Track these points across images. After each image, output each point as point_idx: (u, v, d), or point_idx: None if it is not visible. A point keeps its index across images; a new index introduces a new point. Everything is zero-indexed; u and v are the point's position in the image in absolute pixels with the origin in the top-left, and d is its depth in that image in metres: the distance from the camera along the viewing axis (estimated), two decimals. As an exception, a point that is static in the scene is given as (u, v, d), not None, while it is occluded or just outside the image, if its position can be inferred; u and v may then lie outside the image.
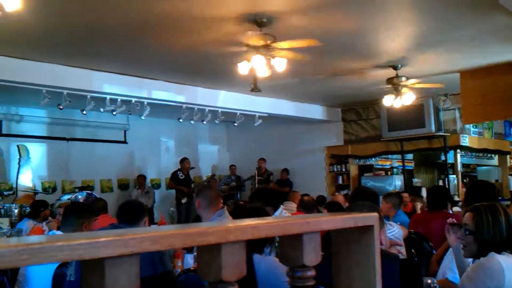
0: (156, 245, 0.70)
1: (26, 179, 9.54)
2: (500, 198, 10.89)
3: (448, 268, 3.08)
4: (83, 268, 0.71)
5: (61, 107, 7.70)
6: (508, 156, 13.11)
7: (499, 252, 2.37)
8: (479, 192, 3.35)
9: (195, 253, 3.71)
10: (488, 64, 7.86)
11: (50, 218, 7.30)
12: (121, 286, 0.69)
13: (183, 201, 10.77)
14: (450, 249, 3.25)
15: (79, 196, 8.99)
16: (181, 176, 11.06)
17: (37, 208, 7.06)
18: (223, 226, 0.80)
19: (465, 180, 12.17)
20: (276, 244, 3.05)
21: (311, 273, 0.97)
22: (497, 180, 12.69)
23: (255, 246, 2.71)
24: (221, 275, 0.79)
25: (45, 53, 6.76)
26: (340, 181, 12.16)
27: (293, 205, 6.05)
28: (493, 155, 13.09)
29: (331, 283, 1.12)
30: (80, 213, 3.46)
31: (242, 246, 0.82)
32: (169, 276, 2.29)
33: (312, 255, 0.95)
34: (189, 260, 3.82)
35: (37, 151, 10.09)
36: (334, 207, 5.73)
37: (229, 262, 0.80)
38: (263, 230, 0.84)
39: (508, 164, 13.29)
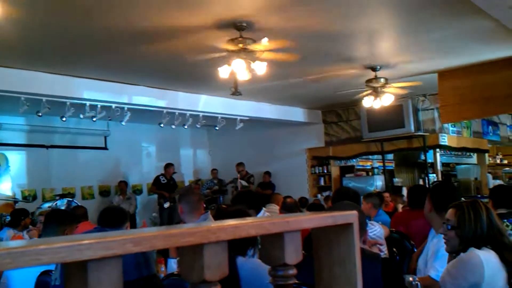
0: (139, 246, 0.71)
1: (6, 187, 9.43)
2: (479, 195, 11.05)
3: (431, 266, 3.12)
4: (65, 271, 0.71)
5: (40, 114, 7.63)
6: (486, 154, 13.30)
7: (479, 248, 2.42)
8: (445, 193, 3.40)
9: (179, 258, 3.70)
10: (465, 64, 7.98)
11: (31, 226, 7.22)
12: (105, 288, 0.70)
13: (165, 205, 10.74)
14: (429, 248, 3.30)
15: (59, 204, 8.90)
16: (163, 180, 11.04)
17: (17, 216, 6.97)
18: (204, 227, 0.81)
19: (442, 178, 12.31)
20: (259, 247, 3.06)
21: (293, 271, 0.98)
22: (476, 178, 12.87)
23: (238, 248, 2.72)
24: (204, 275, 0.80)
25: (23, 60, 6.69)
26: (322, 183, 12.22)
27: (275, 208, 6.07)
28: (472, 154, 13.27)
29: (313, 283, 1.13)
30: (61, 220, 3.44)
31: (224, 246, 0.83)
32: (154, 280, 2.29)
33: (293, 253, 0.96)
34: (173, 265, 3.82)
35: (16, 159, 9.98)
36: (315, 209, 5.78)
37: (211, 262, 0.81)
38: (244, 229, 0.86)
39: (487, 162, 13.48)
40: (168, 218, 10.55)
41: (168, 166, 11.23)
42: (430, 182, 10.39)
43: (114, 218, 3.25)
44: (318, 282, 1.11)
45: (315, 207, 6.32)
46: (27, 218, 7.01)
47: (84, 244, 0.65)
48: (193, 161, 13.47)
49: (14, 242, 0.71)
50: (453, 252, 2.62)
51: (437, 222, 3.25)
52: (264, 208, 4.65)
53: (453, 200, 3.33)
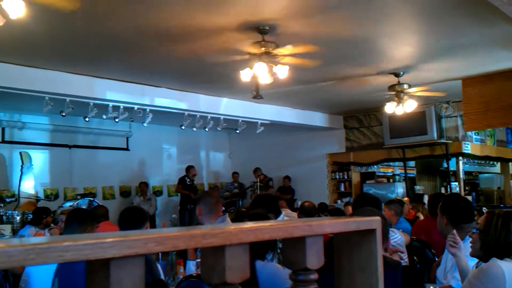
0: (161, 246, 0.71)
1: (28, 186, 9.56)
2: (502, 205, 10.88)
3: (452, 276, 3.08)
4: (88, 269, 0.71)
5: (63, 114, 7.72)
6: (510, 163, 13.09)
7: (501, 258, 2.38)
8: (459, 205, 3.35)
9: (198, 260, 3.71)
10: (490, 71, 7.88)
11: (52, 225, 7.30)
12: (126, 287, 0.70)
13: (189, 206, 10.83)
14: (448, 259, 3.25)
15: (81, 203, 8.99)
16: (189, 181, 11.16)
17: (39, 215, 7.06)
18: (226, 228, 0.81)
19: (467, 188, 12.16)
20: (278, 251, 3.05)
21: (314, 276, 0.97)
22: (499, 188, 12.68)
23: (257, 252, 2.71)
24: (225, 277, 0.80)
25: (47, 60, 6.79)
26: (342, 189, 12.15)
27: (294, 214, 6.05)
28: (495, 163, 13.08)
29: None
30: (83, 219, 3.47)
31: (246, 248, 0.83)
32: (159, 285, 2.29)
33: (314, 258, 0.95)
34: (191, 267, 3.82)
35: (39, 158, 10.11)
36: (336, 214, 5.73)
37: (233, 264, 0.80)
38: (266, 232, 0.85)
39: (510, 172, 13.27)
40: (188, 220, 10.60)
41: (190, 167, 11.35)
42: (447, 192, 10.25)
43: (134, 218, 3.27)
44: (339, 287, 1.09)
45: (336, 212, 6.26)
46: (48, 217, 7.09)
47: (107, 242, 0.65)
48: (214, 164, 13.51)
49: (38, 238, 0.71)
50: (475, 256, 2.59)
51: None
52: (283, 212, 4.64)
53: (468, 212, 3.28)
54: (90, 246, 0.63)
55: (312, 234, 0.94)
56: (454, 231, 2.93)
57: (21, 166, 9.48)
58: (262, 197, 5.48)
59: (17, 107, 9.22)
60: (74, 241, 0.63)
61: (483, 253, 2.49)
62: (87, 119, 8.19)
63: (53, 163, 10.41)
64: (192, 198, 10.89)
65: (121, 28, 5.58)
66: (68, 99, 7.50)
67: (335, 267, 1.09)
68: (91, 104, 7.82)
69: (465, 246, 3.00)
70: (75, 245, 0.62)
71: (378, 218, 1.06)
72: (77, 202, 9.15)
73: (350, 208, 7.79)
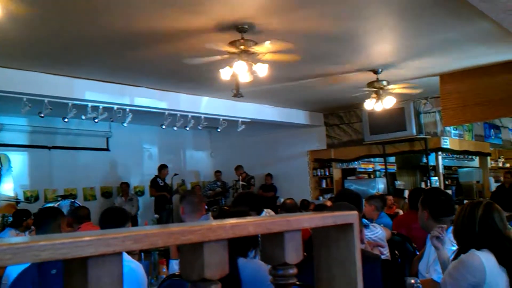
0: (139, 243, 0.71)
1: (8, 188, 9.44)
2: (481, 198, 11.02)
3: (433, 269, 3.12)
4: (65, 268, 0.71)
5: (42, 115, 7.64)
6: (488, 157, 13.29)
7: (478, 249, 2.42)
8: (440, 199, 3.39)
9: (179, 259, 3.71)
10: (467, 67, 7.99)
11: (32, 227, 7.22)
12: (104, 285, 0.70)
13: (168, 206, 10.78)
14: (430, 253, 3.29)
15: (62, 205, 8.89)
16: (161, 183, 11.06)
17: (19, 217, 6.98)
18: (205, 225, 0.81)
19: (447, 182, 12.31)
20: (261, 248, 3.06)
21: (293, 271, 0.98)
22: (478, 181, 12.86)
23: (239, 249, 2.72)
24: (204, 273, 0.80)
25: (25, 61, 6.71)
26: (324, 185, 12.22)
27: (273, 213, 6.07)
28: (474, 157, 13.26)
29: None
30: (53, 216, 3.44)
31: (224, 245, 0.83)
32: None
33: (293, 253, 0.96)
34: (174, 266, 3.82)
35: (18, 160, 9.99)
36: (320, 210, 5.77)
37: (211, 260, 0.81)
38: (244, 228, 0.86)
39: (489, 166, 13.47)
40: (167, 219, 10.56)
41: (163, 167, 11.22)
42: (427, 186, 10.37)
43: (115, 218, 3.26)
44: (317, 282, 1.11)
45: (321, 207, 6.28)
46: (29, 219, 7.01)
47: (85, 240, 0.65)
48: (195, 163, 13.47)
49: (15, 239, 0.71)
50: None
51: None
52: (265, 210, 4.65)
53: (449, 205, 3.33)
54: (67, 245, 0.63)
55: (290, 229, 0.95)
56: (444, 225, 2.97)
57: (0, 168, 9.36)
58: (244, 195, 5.49)
59: (-5, 109, 9.10)
60: (50, 240, 0.63)
61: (458, 244, 2.53)
62: (66, 120, 8.11)
63: (32, 165, 10.29)
64: (168, 198, 10.85)
65: (99, 28, 5.54)
66: (46, 100, 7.42)
67: (314, 262, 1.10)
68: (70, 104, 7.75)
69: (447, 239, 3.05)
70: (52, 244, 0.62)
71: (355, 212, 1.08)
72: (58, 203, 9.05)
73: (328, 203, 7.85)
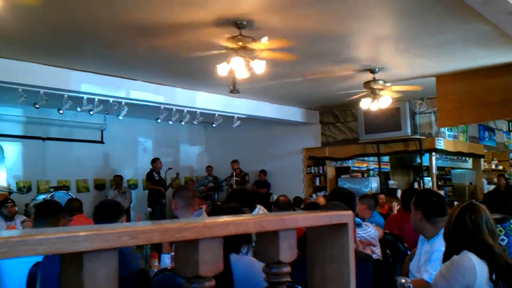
0: (135, 239, 0.71)
1: (1, 178, 9.40)
2: (474, 200, 11.06)
3: (424, 269, 3.14)
4: (61, 262, 0.72)
5: (37, 106, 7.61)
6: (482, 159, 13.34)
7: (471, 251, 2.43)
8: (433, 200, 3.41)
9: (172, 253, 3.71)
10: (464, 69, 8.00)
11: (25, 217, 7.22)
12: (99, 280, 0.70)
13: (162, 201, 10.77)
14: (421, 253, 3.31)
15: (56, 196, 8.86)
16: (156, 176, 11.05)
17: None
18: (201, 222, 0.81)
19: (440, 183, 12.35)
20: (253, 244, 3.07)
21: (287, 269, 0.99)
22: (471, 183, 12.90)
23: (232, 246, 2.72)
24: (198, 270, 0.81)
25: (22, 51, 6.68)
26: (318, 183, 12.24)
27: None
28: (467, 158, 13.30)
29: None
30: (52, 212, 3.44)
31: (219, 242, 0.84)
32: (141, 275, 2.26)
33: (287, 251, 0.97)
34: (166, 260, 3.82)
35: (12, 150, 9.95)
36: (313, 208, 5.78)
37: (206, 257, 0.81)
38: (239, 226, 0.86)
39: (482, 168, 13.52)
40: (160, 213, 10.55)
41: (155, 160, 11.19)
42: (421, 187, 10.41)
43: (109, 212, 3.25)
44: (310, 280, 1.11)
45: (313, 206, 6.29)
46: (10, 207, 6.96)
47: (81, 235, 0.65)
48: (189, 158, 13.46)
49: (11, 232, 0.71)
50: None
51: (428, 229, 3.26)
52: (258, 207, 4.66)
53: (441, 206, 3.35)
54: (63, 240, 0.64)
55: (285, 228, 0.95)
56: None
57: (-7, 158, 9.33)
58: (238, 191, 5.50)
59: (-11, 99, 9.05)
60: (47, 234, 0.63)
61: (449, 245, 2.55)
62: (61, 112, 8.09)
63: (26, 156, 10.25)
64: (162, 192, 10.84)
65: (96, 20, 5.51)
66: (42, 91, 7.39)
67: (307, 260, 1.11)
68: (66, 96, 7.72)
69: (440, 240, 3.06)
70: (48, 239, 0.62)
71: (350, 212, 1.08)
72: (51, 194, 9.02)
73: (320, 199, 7.87)
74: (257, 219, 0.91)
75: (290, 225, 0.96)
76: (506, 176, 12.77)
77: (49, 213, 3.44)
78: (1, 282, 3.32)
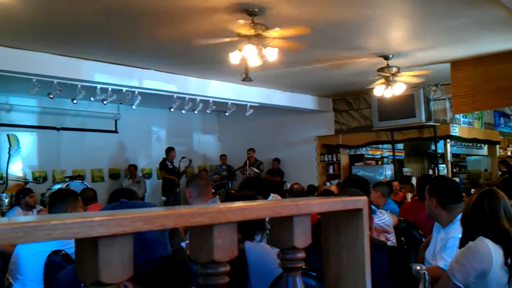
0: (149, 225, 0.71)
1: (17, 168, 9.50)
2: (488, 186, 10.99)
3: (440, 256, 3.12)
4: (76, 248, 0.72)
5: (51, 96, 7.66)
6: (497, 146, 13.22)
7: (487, 236, 2.41)
8: (448, 187, 3.37)
9: (187, 241, 3.73)
10: (478, 54, 7.91)
11: (41, 207, 7.30)
12: (114, 265, 0.70)
13: (176, 190, 10.84)
14: (437, 241, 3.29)
15: (72, 185, 8.95)
16: (170, 165, 11.10)
17: (17, 195, 7.18)
18: (215, 208, 0.81)
19: (455, 170, 12.28)
20: (267, 232, 3.07)
21: (301, 255, 0.99)
22: (486, 170, 12.81)
23: (246, 233, 2.73)
24: (213, 255, 0.81)
25: (35, 41, 6.71)
26: (331, 171, 12.22)
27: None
28: (482, 145, 13.20)
29: (321, 269, 1.14)
30: (63, 198, 3.47)
31: (234, 227, 0.83)
32: (179, 254, 2.25)
33: (302, 237, 0.96)
34: (181, 248, 3.84)
35: (27, 140, 10.05)
36: (326, 195, 5.77)
37: (221, 243, 0.81)
38: (254, 211, 0.86)
39: (497, 154, 13.40)
40: (174, 202, 10.61)
41: (170, 150, 11.23)
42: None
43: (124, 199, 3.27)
44: (325, 266, 1.11)
45: (327, 193, 6.28)
46: (27, 197, 7.08)
47: (96, 220, 0.65)
48: (203, 147, 13.50)
49: (26, 217, 0.72)
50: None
51: (444, 216, 3.24)
52: (272, 195, 4.67)
53: (456, 192, 3.32)
54: (78, 225, 0.64)
55: (300, 214, 0.95)
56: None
57: (9, 148, 9.41)
58: (251, 179, 5.51)
59: (4, 89, 9.12)
60: (62, 220, 0.63)
61: (466, 231, 2.54)
62: (75, 101, 8.14)
63: (41, 146, 10.34)
64: (177, 183, 10.89)
65: (109, 9, 5.52)
66: (55, 81, 7.43)
67: (322, 247, 1.10)
68: (79, 86, 7.76)
69: (456, 227, 3.04)
70: (63, 224, 0.62)
71: (364, 198, 1.07)
72: (66, 184, 9.11)
73: (333, 187, 7.85)
74: (271, 204, 0.91)
75: (304, 210, 0.95)
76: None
77: (59, 200, 3.47)
78: (19, 272, 3.36)
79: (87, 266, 0.70)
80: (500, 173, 11.82)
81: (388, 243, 3.40)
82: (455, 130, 10.66)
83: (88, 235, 0.65)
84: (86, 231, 0.65)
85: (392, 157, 11.75)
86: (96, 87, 7.96)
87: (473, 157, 13.52)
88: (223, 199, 5.89)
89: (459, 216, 2.81)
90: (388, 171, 11.34)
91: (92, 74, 7.78)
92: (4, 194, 8.47)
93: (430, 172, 11.43)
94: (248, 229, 2.73)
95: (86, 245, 0.69)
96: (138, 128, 11.61)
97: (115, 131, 11.36)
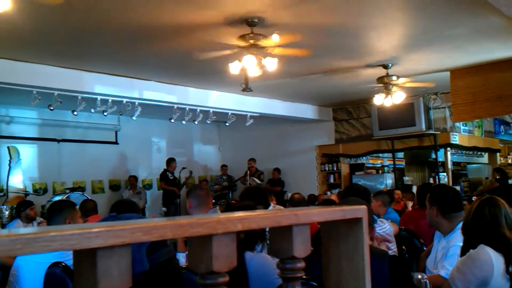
0: (148, 235, 0.71)
1: (17, 180, 9.49)
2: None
3: (441, 265, 3.11)
4: (75, 259, 0.72)
5: (51, 108, 7.67)
6: (497, 154, 13.20)
7: (488, 243, 2.41)
8: (448, 195, 3.37)
9: (187, 252, 3.72)
10: (478, 62, 7.92)
11: (41, 219, 7.29)
12: (113, 276, 0.70)
13: (176, 201, 10.81)
14: (438, 250, 3.28)
15: (72, 197, 8.94)
16: (170, 176, 11.08)
17: (18, 208, 7.14)
18: (214, 218, 0.81)
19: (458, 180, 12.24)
20: (268, 242, 3.07)
21: (301, 264, 0.98)
22: (487, 178, 12.78)
23: (246, 243, 2.72)
24: (212, 266, 0.81)
25: (35, 53, 6.73)
26: (332, 180, 12.20)
27: (282, 208, 6.08)
28: (483, 153, 13.18)
29: (321, 279, 1.13)
30: (60, 209, 3.47)
31: (233, 238, 0.83)
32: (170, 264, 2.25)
33: (301, 247, 0.96)
34: (181, 259, 3.83)
35: (27, 152, 10.04)
36: (327, 204, 5.76)
37: (220, 253, 0.81)
38: (253, 221, 0.86)
39: (498, 162, 13.38)
40: (174, 212, 10.59)
41: (171, 161, 11.22)
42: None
43: (125, 210, 3.27)
44: (325, 275, 1.11)
45: (327, 203, 6.28)
46: (28, 209, 7.06)
47: (94, 232, 0.65)
48: (203, 157, 13.49)
49: (25, 229, 0.71)
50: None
51: (444, 225, 3.23)
52: (272, 205, 4.66)
53: (457, 201, 3.32)
54: (76, 236, 0.64)
55: (299, 223, 0.95)
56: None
57: (9, 160, 9.41)
58: (251, 189, 5.51)
59: (5, 101, 9.13)
60: (60, 231, 0.63)
61: (467, 239, 2.53)
62: (75, 113, 8.15)
63: (41, 157, 10.34)
64: (177, 194, 10.87)
65: (109, 21, 5.54)
66: (56, 93, 7.45)
67: (322, 256, 1.10)
68: (79, 97, 7.77)
69: (457, 235, 3.04)
70: (61, 235, 0.62)
71: (364, 207, 1.07)
72: (67, 195, 9.09)
73: (333, 197, 7.84)
74: (270, 214, 0.91)
75: (304, 219, 0.95)
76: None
77: (56, 211, 3.47)
78: (19, 284, 3.34)
79: (86, 277, 0.70)
80: (492, 180, 11.78)
81: (389, 252, 3.39)
82: (455, 139, 10.65)
83: (86, 247, 0.65)
84: (84, 242, 0.65)
85: (392, 166, 11.73)
86: (96, 99, 7.98)
87: (474, 165, 13.50)
88: (223, 209, 5.88)
89: (460, 224, 2.81)
90: (388, 180, 11.32)
91: (93, 86, 7.79)
92: (5, 206, 8.45)
93: (431, 180, 11.41)
94: (248, 239, 2.72)
95: (85, 257, 0.69)
96: (138, 139, 11.61)
97: (116, 142, 11.36)
